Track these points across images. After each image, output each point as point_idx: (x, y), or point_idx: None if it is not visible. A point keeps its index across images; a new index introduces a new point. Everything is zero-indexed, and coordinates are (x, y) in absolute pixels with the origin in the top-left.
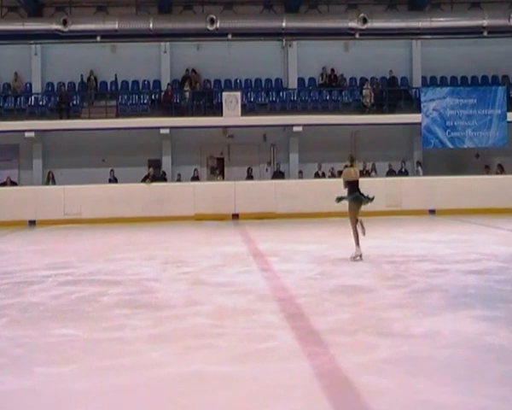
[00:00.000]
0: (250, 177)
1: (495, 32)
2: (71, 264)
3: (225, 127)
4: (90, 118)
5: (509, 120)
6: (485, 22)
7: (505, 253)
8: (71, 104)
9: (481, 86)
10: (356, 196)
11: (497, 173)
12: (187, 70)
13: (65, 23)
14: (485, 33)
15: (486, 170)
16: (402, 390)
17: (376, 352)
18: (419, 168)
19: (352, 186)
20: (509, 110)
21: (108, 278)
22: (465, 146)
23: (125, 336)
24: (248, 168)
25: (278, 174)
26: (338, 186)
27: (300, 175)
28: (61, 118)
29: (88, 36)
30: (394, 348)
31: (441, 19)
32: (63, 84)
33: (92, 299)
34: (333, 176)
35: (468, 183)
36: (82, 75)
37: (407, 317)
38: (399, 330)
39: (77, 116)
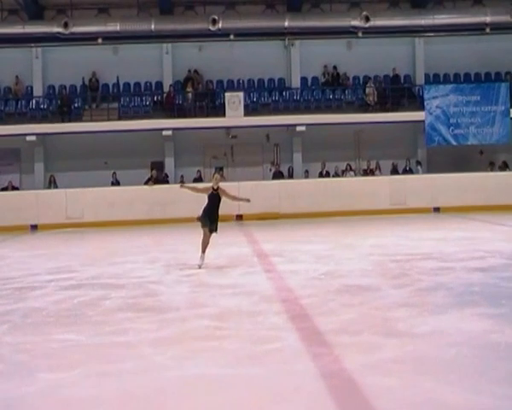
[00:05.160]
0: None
1: (497, 28)
2: (73, 268)
3: (228, 128)
4: (91, 121)
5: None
6: (488, 19)
7: (510, 250)
8: (72, 107)
9: (484, 83)
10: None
11: (500, 169)
12: (189, 71)
13: (66, 26)
14: (488, 30)
15: (490, 167)
16: (408, 390)
17: (382, 352)
18: (418, 167)
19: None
20: None
21: (111, 282)
22: (469, 143)
23: (128, 339)
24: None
25: (278, 174)
26: (341, 186)
27: (306, 174)
28: (62, 121)
29: (89, 38)
30: (400, 348)
31: (444, 16)
32: (64, 87)
33: (95, 303)
34: (337, 175)
35: (472, 180)
36: (83, 78)
37: (412, 316)
38: (405, 329)
39: (78, 119)
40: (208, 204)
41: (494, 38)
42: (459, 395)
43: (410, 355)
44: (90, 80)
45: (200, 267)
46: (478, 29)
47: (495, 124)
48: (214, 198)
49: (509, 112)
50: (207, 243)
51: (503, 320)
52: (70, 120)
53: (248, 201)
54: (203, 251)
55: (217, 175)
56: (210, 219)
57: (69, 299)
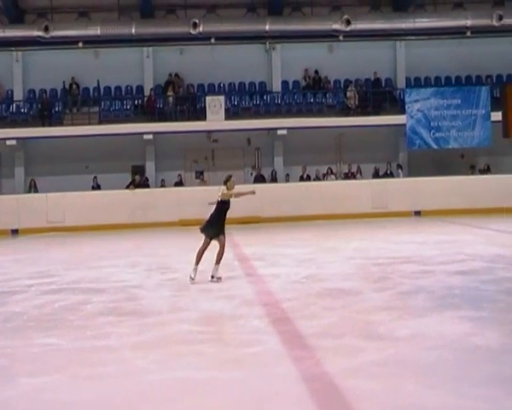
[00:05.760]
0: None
1: (478, 32)
2: (54, 272)
3: (209, 132)
4: (72, 125)
5: (492, 119)
6: (469, 22)
7: (490, 253)
8: (53, 111)
9: (465, 86)
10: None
11: (482, 172)
12: (170, 75)
13: (46, 29)
14: (469, 33)
15: (471, 170)
16: (389, 393)
17: (363, 355)
18: (399, 171)
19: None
20: (492, 110)
21: (92, 286)
22: (450, 146)
23: (109, 344)
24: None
25: (259, 178)
26: (322, 189)
27: (287, 178)
28: (43, 125)
29: (70, 42)
30: (381, 351)
31: (425, 19)
32: (45, 91)
33: (76, 307)
34: (318, 179)
35: (453, 183)
36: (64, 82)
37: (393, 319)
38: (386, 332)
39: (59, 123)
40: (220, 212)
41: (475, 41)
42: (441, 398)
43: (392, 359)
44: (71, 84)
45: (193, 280)
46: (459, 33)
47: (476, 127)
48: (228, 204)
49: (490, 115)
50: (203, 254)
51: (484, 323)
52: (50, 125)
53: (253, 193)
54: (197, 262)
55: (233, 179)
56: (218, 225)
57: (50, 303)
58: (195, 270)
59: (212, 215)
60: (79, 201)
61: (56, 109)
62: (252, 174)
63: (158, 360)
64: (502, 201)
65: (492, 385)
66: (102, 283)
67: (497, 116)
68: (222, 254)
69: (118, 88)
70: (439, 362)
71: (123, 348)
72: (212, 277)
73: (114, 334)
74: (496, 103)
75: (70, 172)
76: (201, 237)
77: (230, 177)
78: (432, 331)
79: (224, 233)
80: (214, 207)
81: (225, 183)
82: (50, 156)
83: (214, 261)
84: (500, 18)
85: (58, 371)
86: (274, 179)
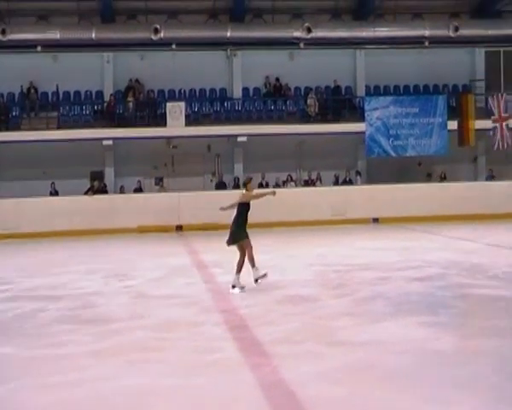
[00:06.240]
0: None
1: (436, 42)
2: (9, 280)
3: (169, 138)
4: (30, 129)
5: (449, 128)
6: (427, 32)
7: (446, 259)
8: (10, 116)
9: (423, 95)
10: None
11: (439, 179)
12: (130, 80)
13: (3, 32)
14: (427, 43)
15: (428, 178)
16: (351, 399)
17: (323, 361)
18: (358, 177)
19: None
20: (449, 119)
21: (48, 294)
22: (408, 154)
23: (66, 352)
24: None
25: (221, 185)
26: (282, 197)
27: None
28: None
29: (28, 45)
30: (341, 357)
31: (384, 29)
32: (2, 96)
33: (32, 315)
34: (277, 186)
35: (410, 191)
36: (22, 86)
37: (353, 325)
38: (345, 338)
39: (16, 128)
40: (241, 214)
41: (432, 51)
42: (403, 402)
43: (352, 364)
44: (29, 88)
45: (265, 275)
46: (417, 42)
47: (433, 136)
48: (249, 206)
49: (447, 124)
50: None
51: (440, 328)
52: (8, 129)
53: (274, 193)
54: (254, 264)
55: (253, 181)
56: (240, 230)
57: (4, 311)
58: (257, 268)
59: (234, 220)
60: (36, 207)
61: (14, 114)
62: (211, 181)
63: (116, 367)
64: (457, 208)
65: (455, 388)
66: (59, 290)
67: (453, 125)
68: (243, 262)
69: (77, 93)
70: (398, 367)
71: (80, 357)
72: (256, 280)
73: (72, 342)
74: (452, 112)
75: (27, 178)
76: (157, 245)
77: (251, 179)
78: (390, 337)
79: (243, 238)
80: (235, 211)
81: (245, 185)
82: (7, 161)
83: (235, 270)
84: (456, 29)
85: (14, 379)
86: (236, 186)
